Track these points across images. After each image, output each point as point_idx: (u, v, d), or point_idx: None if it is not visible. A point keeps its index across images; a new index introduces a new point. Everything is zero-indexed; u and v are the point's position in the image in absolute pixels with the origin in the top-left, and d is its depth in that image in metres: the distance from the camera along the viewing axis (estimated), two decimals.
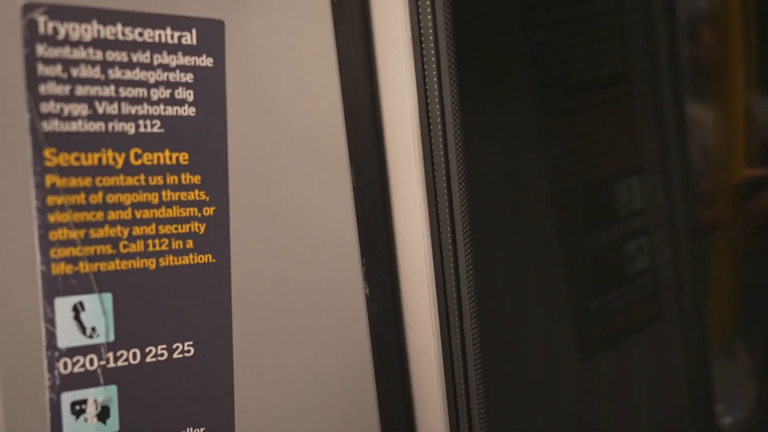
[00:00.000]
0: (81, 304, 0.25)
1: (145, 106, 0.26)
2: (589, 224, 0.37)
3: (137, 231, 0.26)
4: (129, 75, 0.26)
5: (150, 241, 0.26)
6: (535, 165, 0.34)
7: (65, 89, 0.24)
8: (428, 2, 0.28)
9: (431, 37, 0.28)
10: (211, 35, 0.27)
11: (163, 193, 0.27)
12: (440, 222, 0.30)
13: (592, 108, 0.37)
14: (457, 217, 0.29)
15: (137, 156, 0.26)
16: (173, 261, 0.27)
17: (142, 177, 0.26)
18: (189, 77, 0.27)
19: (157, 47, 0.26)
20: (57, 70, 0.24)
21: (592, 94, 0.36)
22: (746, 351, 0.52)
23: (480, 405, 0.30)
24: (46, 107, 0.24)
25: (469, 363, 0.31)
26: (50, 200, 0.25)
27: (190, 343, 0.28)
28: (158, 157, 0.26)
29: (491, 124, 0.31)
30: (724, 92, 0.50)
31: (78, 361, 0.26)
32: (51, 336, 0.25)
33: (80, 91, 0.25)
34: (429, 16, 0.27)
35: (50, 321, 0.25)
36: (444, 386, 0.31)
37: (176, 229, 0.27)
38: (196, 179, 0.27)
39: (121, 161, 0.26)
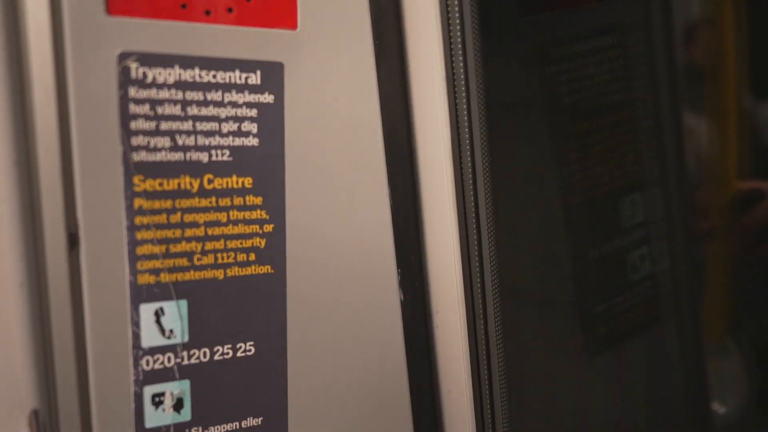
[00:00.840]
0: (161, 309, 0.29)
1: (217, 138, 0.30)
2: (597, 236, 0.41)
3: (209, 246, 0.30)
4: (204, 111, 0.29)
5: (219, 255, 0.30)
6: (550, 184, 0.38)
7: (152, 125, 0.28)
8: (460, 46, 0.32)
9: (462, 76, 0.32)
10: (273, 75, 0.31)
11: (231, 212, 0.31)
12: (468, 237, 0.34)
13: (599, 131, 0.41)
14: (483, 232, 0.33)
15: (210, 181, 0.30)
16: (239, 272, 0.31)
17: (214, 199, 0.30)
18: (254, 112, 0.31)
19: (227, 87, 0.30)
20: (145, 108, 0.28)
21: (599, 119, 0.41)
22: (738, 350, 0.56)
23: (502, 398, 0.34)
24: (135, 140, 0.28)
25: (493, 361, 0.35)
26: (138, 220, 0.29)
27: (252, 343, 0.32)
28: (227, 182, 0.30)
29: (512, 150, 0.35)
30: (718, 111, 0.54)
31: (158, 358, 0.29)
32: (136, 337, 0.29)
33: (164, 126, 0.29)
34: (461, 58, 0.31)
35: (136, 324, 0.29)
36: (470, 381, 0.35)
37: (241, 243, 0.31)
38: (258, 200, 0.31)
39: (196, 186, 0.30)
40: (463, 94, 0.32)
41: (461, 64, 0.32)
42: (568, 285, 0.40)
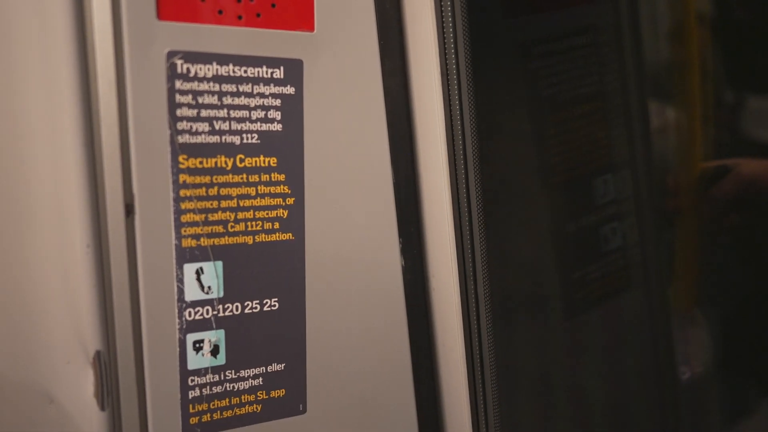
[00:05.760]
0: (201, 269, 0.35)
1: (247, 123, 0.35)
2: (573, 211, 0.47)
3: (240, 215, 0.35)
4: (237, 101, 0.35)
5: (249, 223, 0.36)
6: (532, 165, 0.43)
7: (193, 112, 0.34)
8: (452, 44, 0.37)
9: (455, 70, 0.37)
10: (294, 70, 0.36)
11: (259, 187, 0.36)
12: (460, 211, 0.39)
13: (575, 119, 0.46)
14: (473, 208, 0.39)
15: (241, 160, 0.35)
16: (265, 238, 0.36)
17: (245, 176, 0.35)
18: (278, 102, 0.36)
19: (256, 80, 0.35)
20: (188, 98, 0.33)
21: (575, 108, 0.46)
22: (704, 318, 0.61)
23: (490, 348, 0.40)
24: (180, 125, 0.33)
25: (482, 318, 0.40)
26: (182, 192, 0.34)
27: (276, 299, 0.37)
28: (255, 161, 0.36)
29: (499, 135, 0.41)
30: (684, 100, 0.60)
31: (198, 311, 0.35)
32: (180, 292, 0.34)
33: (203, 113, 0.34)
34: (453, 55, 0.37)
35: (180, 281, 0.34)
36: (462, 335, 0.40)
37: (267, 214, 0.36)
38: (282, 177, 0.36)
39: (230, 164, 0.35)
40: (456, 87, 0.37)
41: (453, 61, 0.37)
42: (547, 253, 0.45)
